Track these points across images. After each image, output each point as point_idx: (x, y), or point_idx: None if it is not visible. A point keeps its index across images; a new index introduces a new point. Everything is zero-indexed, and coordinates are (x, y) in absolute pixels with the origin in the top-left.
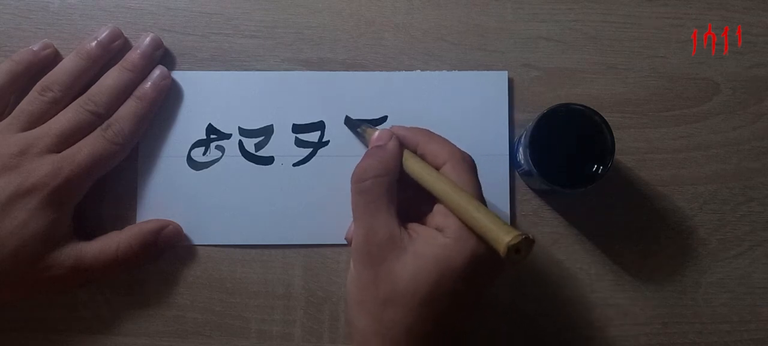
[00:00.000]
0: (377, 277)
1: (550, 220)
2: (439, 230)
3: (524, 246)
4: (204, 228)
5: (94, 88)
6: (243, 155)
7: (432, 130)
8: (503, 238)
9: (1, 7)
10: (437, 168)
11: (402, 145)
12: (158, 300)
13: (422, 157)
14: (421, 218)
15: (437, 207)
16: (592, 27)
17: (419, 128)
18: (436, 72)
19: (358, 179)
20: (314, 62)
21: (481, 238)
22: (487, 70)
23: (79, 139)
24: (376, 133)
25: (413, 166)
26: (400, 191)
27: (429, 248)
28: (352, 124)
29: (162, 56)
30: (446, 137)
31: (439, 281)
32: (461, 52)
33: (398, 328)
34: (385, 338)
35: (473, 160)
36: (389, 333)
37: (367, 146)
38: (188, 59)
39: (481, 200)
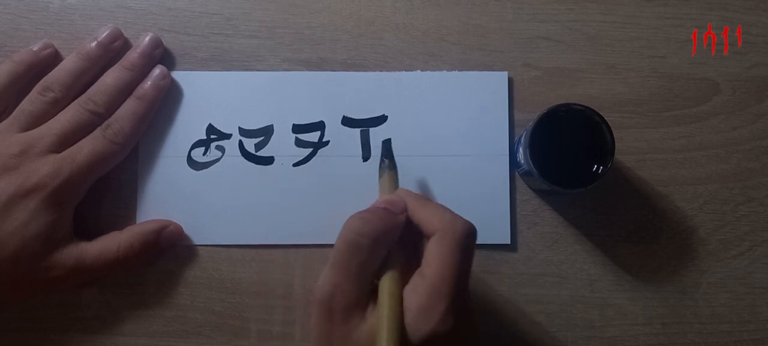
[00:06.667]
0: (331, 337)
1: (550, 220)
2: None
3: None
4: (204, 228)
5: (94, 88)
6: (243, 155)
7: (428, 197)
8: None
9: (1, 7)
10: (429, 237)
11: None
12: (158, 300)
13: (417, 226)
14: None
15: (414, 279)
16: (592, 27)
17: (421, 196)
18: (436, 72)
19: (355, 232)
20: (314, 62)
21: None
22: (487, 70)
23: (80, 139)
24: (392, 197)
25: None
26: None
27: None
28: (386, 150)
29: (161, 55)
30: (446, 137)
31: None
32: (461, 52)
33: None
34: None
35: (470, 232)
36: None
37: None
38: (188, 59)
39: (464, 277)
